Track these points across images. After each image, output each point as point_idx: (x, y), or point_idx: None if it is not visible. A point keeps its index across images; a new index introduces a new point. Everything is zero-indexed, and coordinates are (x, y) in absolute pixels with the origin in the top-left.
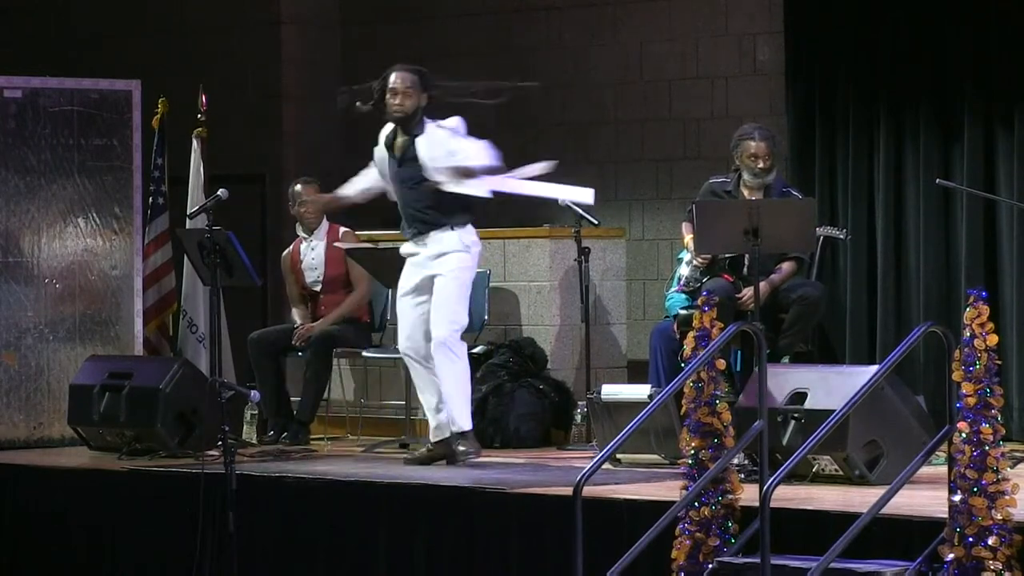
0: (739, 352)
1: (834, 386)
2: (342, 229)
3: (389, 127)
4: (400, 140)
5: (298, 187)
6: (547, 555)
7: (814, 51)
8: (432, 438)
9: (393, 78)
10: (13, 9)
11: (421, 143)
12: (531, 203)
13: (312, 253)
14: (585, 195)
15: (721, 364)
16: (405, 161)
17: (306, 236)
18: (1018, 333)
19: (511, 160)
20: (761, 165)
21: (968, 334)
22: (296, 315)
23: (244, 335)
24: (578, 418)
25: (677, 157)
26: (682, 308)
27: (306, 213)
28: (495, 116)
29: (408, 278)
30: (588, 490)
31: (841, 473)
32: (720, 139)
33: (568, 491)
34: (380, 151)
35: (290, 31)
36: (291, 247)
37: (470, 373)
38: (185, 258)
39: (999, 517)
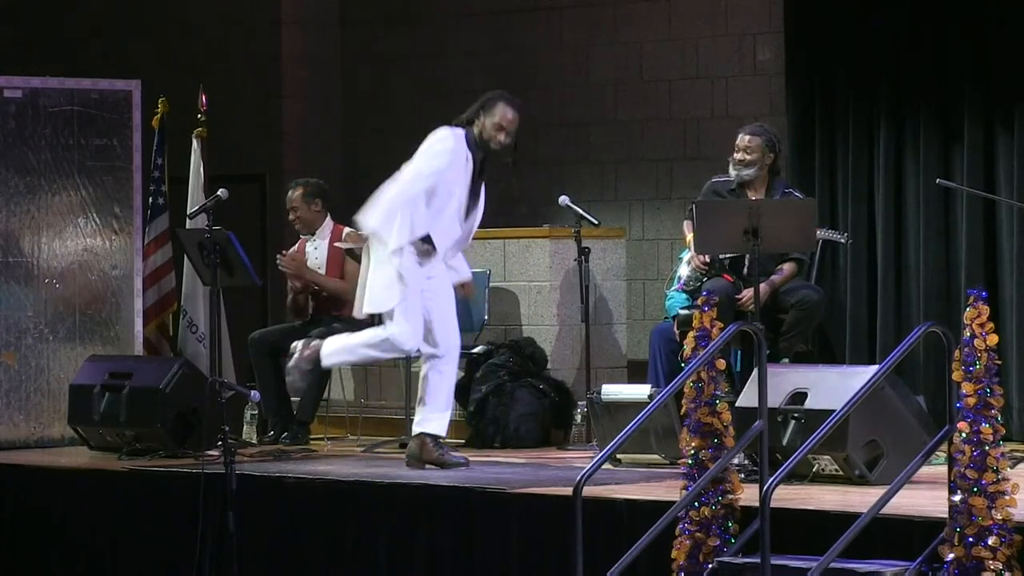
0: (739, 352)
1: (834, 386)
2: (346, 230)
3: (456, 139)
4: (480, 165)
5: (288, 194)
6: (547, 555)
7: (814, 51)
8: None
9: (509, 116)
10: (13, 9)
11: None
12: (531, 203)
13: (316, 252)
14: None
15: (721, 364)
16: (478, 181)
17: (309, 236)
18: (1018, 333)
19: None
20: (740, 157)
21: (968, 334)
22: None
23: (244, 335)
24: (578, 418)
25: (677, 157)
26: (682, 308)
27: (292, 220)
28: None
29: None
30: (588, 490)
31: (841, 473)
32: (720, 139)
33: (568, 491)
34: (461, 161)
35: (290, 31)
36: (297, 245)
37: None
38: (185, 258)
39: (999, 517)
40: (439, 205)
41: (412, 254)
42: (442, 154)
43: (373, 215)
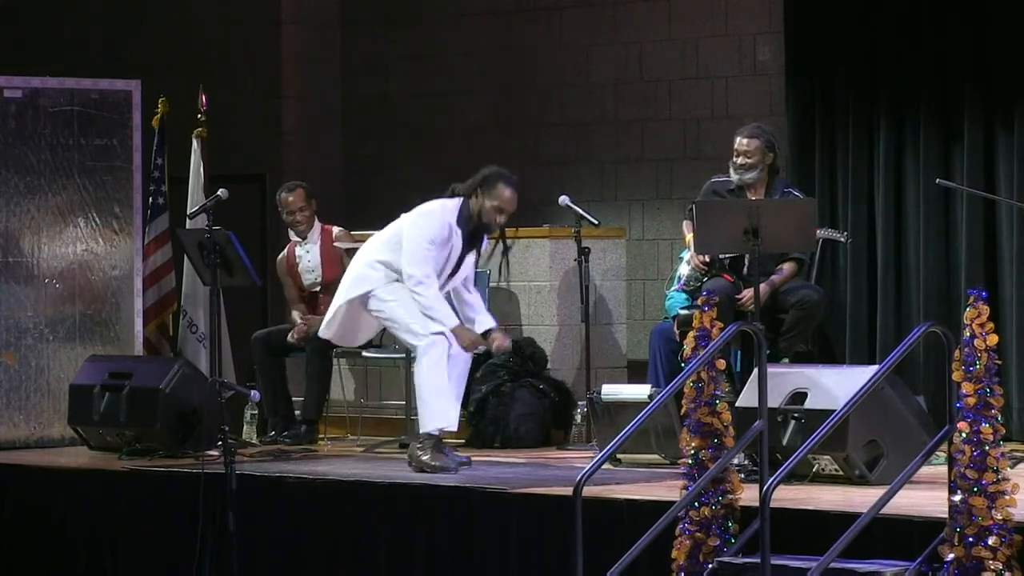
0: (739, 352)
1: (834, 386)
2: (335, 229)
3: (454, 211)
4: (471, 240)
5: (283, 194)
6: (547, 555)
7: (814, 51)
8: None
9: (507, 195)
10: (13, 9)
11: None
12: (531, 203)
13: (308, 256)
14: None
15: (721, 364)
16: (464, 254)
17: (300, 240)
18: (1018, 333)
19: (512, 161)
20: (740, 161)
21: (968, 334)
22: (296, 316)
23: (244, 335)
24: (578, 418)
25: (677, 157)
26: (682, 308)
27: (295, 222)
28: (495, 117)
29: None
30: (588, 490)
31: (841, 473)
32: (720, 139)
33: (568, 491)
34: (451, 235)
35: (290, 31)
36: (286, 250)
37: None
38: (185, 258)
39: (999, 517)
40: None
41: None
42: (434, 238)
43: (444, 320)
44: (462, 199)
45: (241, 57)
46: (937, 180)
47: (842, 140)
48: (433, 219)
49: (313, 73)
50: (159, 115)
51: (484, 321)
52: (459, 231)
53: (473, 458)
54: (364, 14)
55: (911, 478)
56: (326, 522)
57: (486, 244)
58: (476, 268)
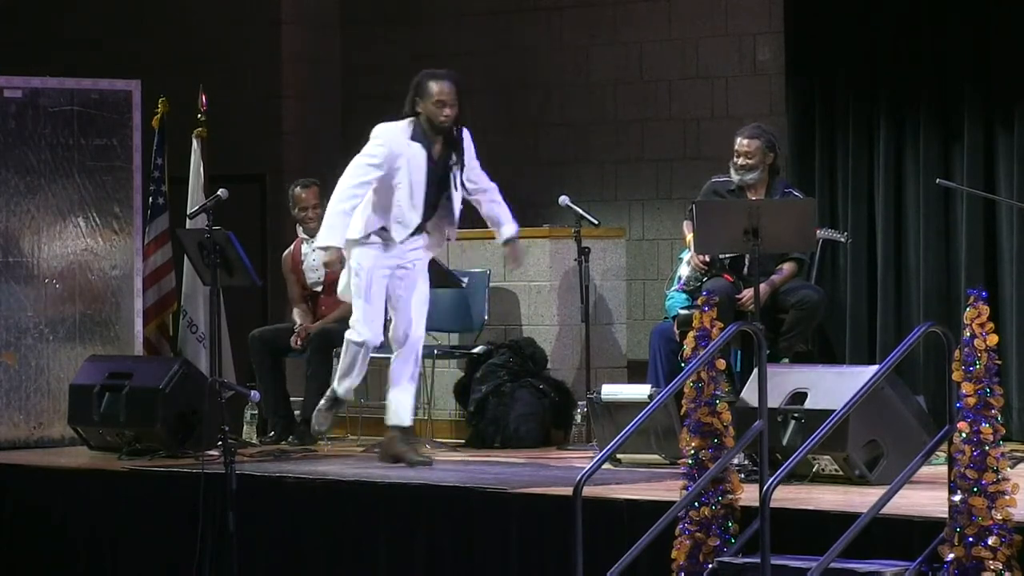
0: (739, 352)
1: (834, 386)
2: None
3: (404, 129)
4: (439, 145)
5: (297, 190)
6: (547, 555)
7: (814, 51)
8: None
9: (446, 88)
10: (13, 9)
11: (465, 147)
12: (531, 203)
13: (313, 255)
14: None
15: (721, 364)
16: (445, 165)
17: (307, 238)
18: (1018, 333)
19: (511, 160)
20: (741, 162)
21: (968, 334)
22: (297, 315)
23: (244, 335)
24: (578, 418)
25: (677, 157)
26: (682, 308)
27: (307, 219)
28: (495, 116)
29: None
30: (588, 490)
31: (841, 473)
32: (720, 139)
33: (568, 491)
34: (404, 152)
35: (290, 31)
36: (291, 247)
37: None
38: (185, 258)
39: (999, 517)
40: (388, 199)
41: (371, 244)
42: (375, 153)
43: (321, 234)
44: (412, 118)
45: (241, 57)
46: (937, 180)
47: (842, 140)
48: (372, 141)
49: (313, 73)
50: (159, 115)
51: (506, 231)
52: (418, 145)
53: (473, 458)
54: (364, 14)
55: (911, 478)
56: (326, 522)
57: (469, 146)
58: (468, 176)
